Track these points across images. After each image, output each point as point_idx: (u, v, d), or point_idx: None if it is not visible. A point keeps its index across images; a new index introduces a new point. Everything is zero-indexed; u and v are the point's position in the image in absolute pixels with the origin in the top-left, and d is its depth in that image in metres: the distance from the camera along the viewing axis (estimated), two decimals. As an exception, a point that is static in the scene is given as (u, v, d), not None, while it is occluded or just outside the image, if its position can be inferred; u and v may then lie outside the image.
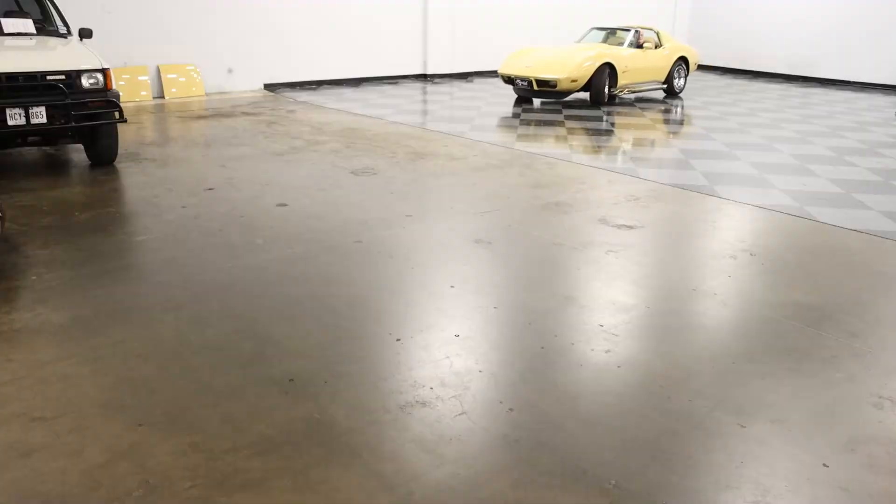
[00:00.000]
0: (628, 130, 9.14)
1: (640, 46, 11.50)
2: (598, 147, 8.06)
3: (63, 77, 5.88)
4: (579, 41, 11.94)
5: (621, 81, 10.95)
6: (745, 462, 2.56)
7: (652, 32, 11.92)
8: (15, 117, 5.66)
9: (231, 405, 2.83)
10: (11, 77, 5.69)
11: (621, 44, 11.50)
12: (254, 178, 6.23)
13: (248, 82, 11.55)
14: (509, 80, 10.88)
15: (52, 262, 4.24)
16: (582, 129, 9.12)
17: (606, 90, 10.77)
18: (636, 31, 11.71)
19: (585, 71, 10.39)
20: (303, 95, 11.29)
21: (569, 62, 10.36)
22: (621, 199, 5.80)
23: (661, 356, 3.30)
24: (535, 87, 10.43)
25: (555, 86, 10.26)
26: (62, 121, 5.89)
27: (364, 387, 2.98)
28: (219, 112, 9.59)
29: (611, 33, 12.17)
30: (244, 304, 3.74)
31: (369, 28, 12.65)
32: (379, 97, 11.31)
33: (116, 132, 6.50)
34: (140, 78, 10.37)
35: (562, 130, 8.91)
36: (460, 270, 4.26)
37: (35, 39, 6.52)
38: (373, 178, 6.29)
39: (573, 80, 10.29)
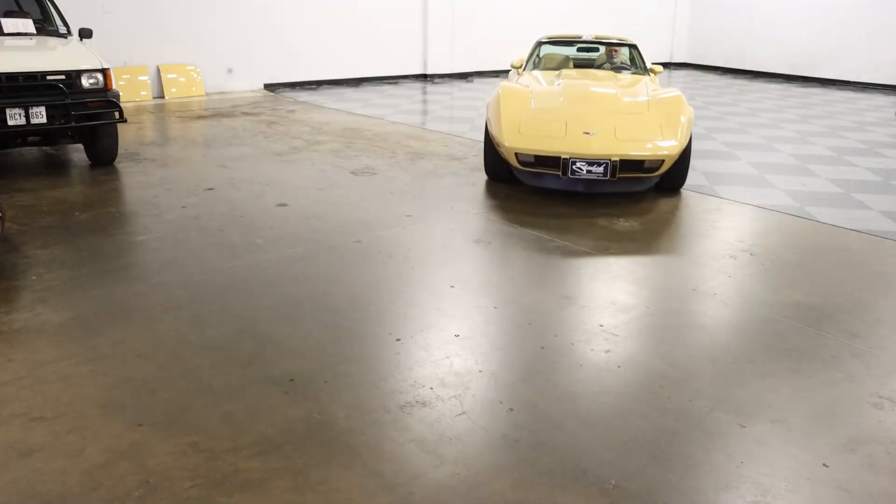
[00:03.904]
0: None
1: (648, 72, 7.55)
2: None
3: (63, 77, 5.88)
4: (534, 68, 7.56)
5: None
6: (745, 462, 2.56)
7: (626, 48, 7.93)
8: (15, 117, 5.66)
9: (231, 405, 2.83)
10: (11, 77, 5.69)
11: (616, 70, 7.47)
12: (254, 178, 6.23)
13: (248, 82, 11.54)
14: (545, 162, 5.50)
15: (52, 262, 4.24)
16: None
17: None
18: (633, 48, 7.81)
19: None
20: (303, 95, 11.29)
21: (671, 120, 5.68)
22: (622, 199, 5.80)
23: (661, 356, 3.30)
24: (618, 174, 5.38)
25: (656, 167, 5.48)
26: (62, 121, 5.89)
27: (364, 387, 2.98)
28: (219, 112, 9.58)
29: (586, 50, 8.18)
30: (244, 304, 3.74)
31: (369, 28, 12.65)
32: (379, 97, 11.31)
33: (116, 132, 6.50)
34: (140, 78, 10.37)
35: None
36: (460, 270, 4.25)
37: (35, 39, 6.52)
38: (373, 178, 6.29)
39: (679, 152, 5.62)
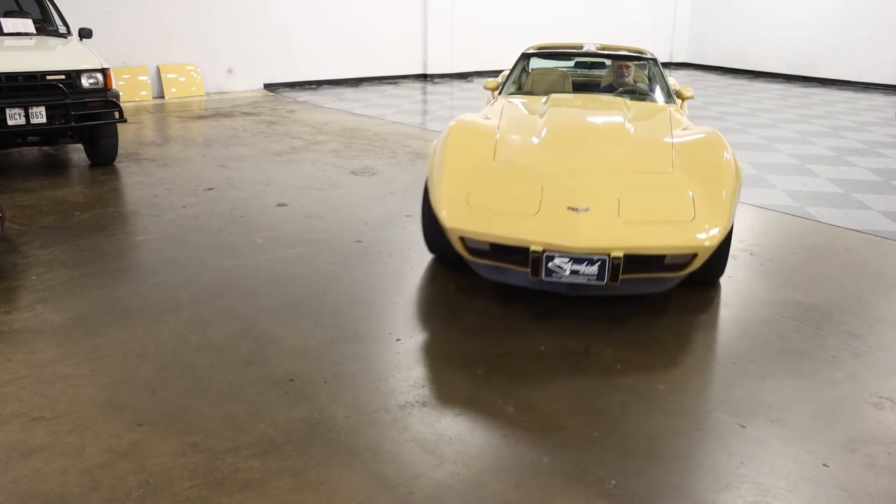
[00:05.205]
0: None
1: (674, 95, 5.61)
2: None
3: (63, 77, 5.88)
4: (518, 90, 5.66)
5: None
6: (745, 462, 2.56)
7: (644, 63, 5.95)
8: (15, 117, 5.66)
9: (231, 405, 2.83)
10: (11, 77, 5.69)
11: (630, 95, 5.37)
12: (254, 178, 6.23)
13: (248, 82, 11.54)
14: (505, 253, 3.59)
15: (52, 262, 4.24)
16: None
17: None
18: (652, 63, 5.78)
19: None
20: (303, 95, 11.29)
21: (710, 183, 3.73)
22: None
23: (661, 356, 3.30)
24: (621, 275, 3.43)
25: (684, 264, 3.56)
26: (62, 121, 5.89)
27: (364, 387, 2.98)
28: (219, 112, 9.58)
29: (587, 66, 6.53)
30: (244, 304, 3.74)
31: (369, 28, 12.64)
32: (379, 97, 11.31)
33: (116, 132, 6.50)
34: (140, 78, 10.37)
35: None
36: (460, 270, 4.25)
37: (35, 39, 6.52)
38: (373, 178, 6.29)
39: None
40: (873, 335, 3.56)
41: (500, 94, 5.62)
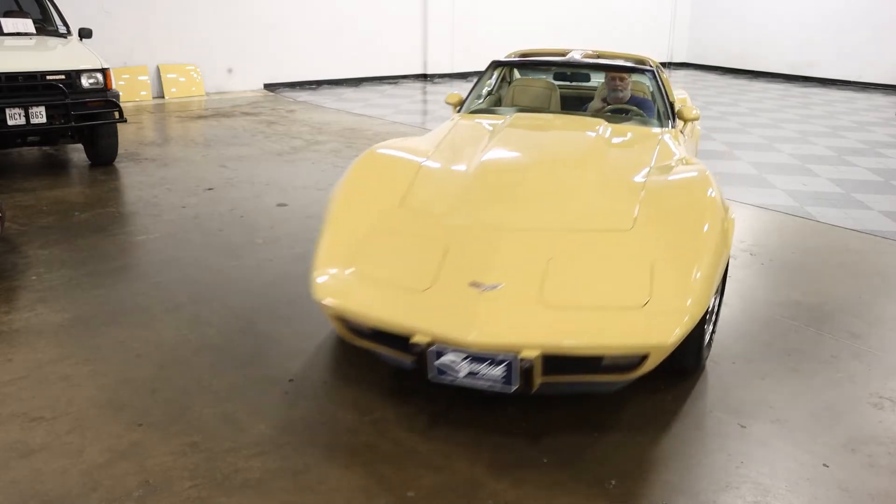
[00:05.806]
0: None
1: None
2: None
3: (63, 77, 5.89)
4: (494, 105, 4.78)
5: None
6: (745, 462, 2.56)
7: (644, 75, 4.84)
8: (15, 117, 5.66)
9: (231, 405, 2.83)
10: (11, 77, 5.69)
11: (621, 115, 4.43)
12: (254, 178, 6.23)
13: (247, 82, 11.54)
14: (387, 341, 2.70)
15: (52, 262, 4.24)
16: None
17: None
18: (654, 74, 4.69)
19: None
20: (303, 95, 11.28)
21: (680, 250, 2.72)
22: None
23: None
24: (540, 378, 2.50)
25: (631, 366, 2.55)
26: (62, 121, 5.89)
27: (364, 387, 2.98)
28: (219, 112, 9.58)
29: (565, 77, 5.41)
30: (244, 304, 3.74)
31: (369, 28, 12.65)
32: (379, 97, 11.31)
33: (116, 132, 6.50)
34: (140, 78, 10.37)
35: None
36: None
37: (35, 39, 6.52)
38: (373, 178, 6.28)
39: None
40: (873, 335, 3.56)
41: (462, 109, 4.65)
